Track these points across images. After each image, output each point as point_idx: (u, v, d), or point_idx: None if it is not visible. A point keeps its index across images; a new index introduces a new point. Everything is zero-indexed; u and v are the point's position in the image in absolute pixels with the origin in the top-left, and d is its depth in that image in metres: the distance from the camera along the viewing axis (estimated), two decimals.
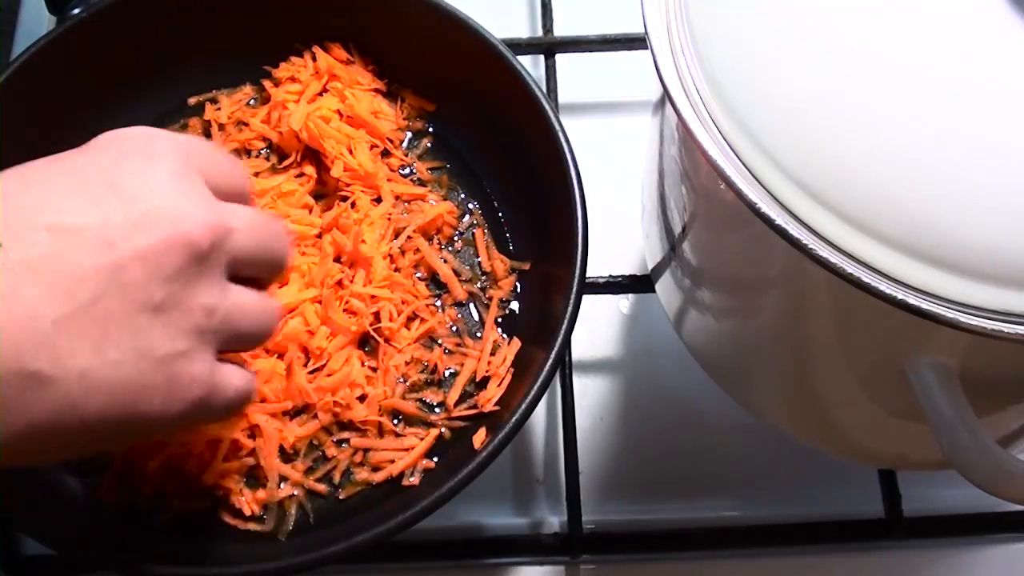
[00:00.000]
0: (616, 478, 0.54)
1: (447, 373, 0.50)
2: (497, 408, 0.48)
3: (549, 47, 0.62)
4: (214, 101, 0.57)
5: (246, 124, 0.56)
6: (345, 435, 0.49)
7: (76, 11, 0.54)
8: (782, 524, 0.52)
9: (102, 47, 0.54)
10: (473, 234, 0.54)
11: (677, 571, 0.52)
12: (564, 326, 0.45)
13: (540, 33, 0.64)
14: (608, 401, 0.56)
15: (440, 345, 0.51)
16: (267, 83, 0.57)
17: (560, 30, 0.64)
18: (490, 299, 0.52)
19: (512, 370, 0.49)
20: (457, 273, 0.53)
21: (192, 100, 0.57)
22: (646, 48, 0.36)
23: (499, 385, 0.49)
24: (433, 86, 0.56)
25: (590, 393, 0.56)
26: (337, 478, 0.48)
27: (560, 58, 0.62)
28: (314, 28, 0.56)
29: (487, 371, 0.50)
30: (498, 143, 0.54)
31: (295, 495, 0.48)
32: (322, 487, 0.48)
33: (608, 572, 0.52)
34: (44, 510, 0.45)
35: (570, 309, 0.46)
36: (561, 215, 0.49)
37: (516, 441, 0.48)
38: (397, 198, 0.54)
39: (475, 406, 0.49)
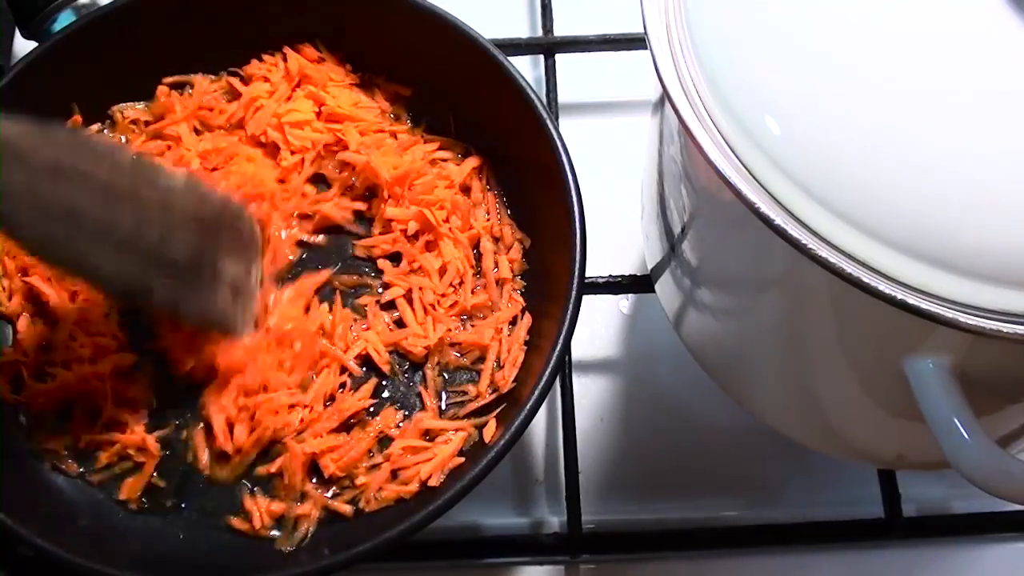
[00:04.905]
0: (616, 478, 0.54)
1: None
2: (515, 384, 0.48)
3: (549, 47, 0.62)
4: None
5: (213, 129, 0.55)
6: (378, 460, 0.48)
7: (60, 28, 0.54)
8: (782, 524, 0.52)
9: (74, 66, 0.53)
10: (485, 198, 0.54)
11: (677, 571, 0.52)
12: (564, 331, 0.45)
13: (540, 33, 0.64)
14: (608, 401, 0.56)
15: (471, 321, 0.51)
16: (234, 81, 0.56)
17: (560, 30, 0.64)
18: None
19: (525, 349, 0.49)
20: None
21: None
22: (646, 48, 0.36)
23: (514, 365, 0.49)
24: (426, 92, 0.56)
25: (590, 393, 0.56)
26: (363, 502, 0.47)
27: (560, 58, 0.62)
28: (292, 28, 0.56)
29: (508, 348, 0.49)
30: (494, 146, 0.54)
31: (313, 515, 0.47)
32: (347, 508, 0.47)
33: (608, 572, 0.52)
34: (49, 521, 0.45)
35: (569, 314, 0.46)
36: (558, 221, 0.48)
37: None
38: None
39: (496, 389, 0.49)
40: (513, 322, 0.51)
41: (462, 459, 0.47)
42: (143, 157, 0.49)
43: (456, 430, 0.48)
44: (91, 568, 0.42)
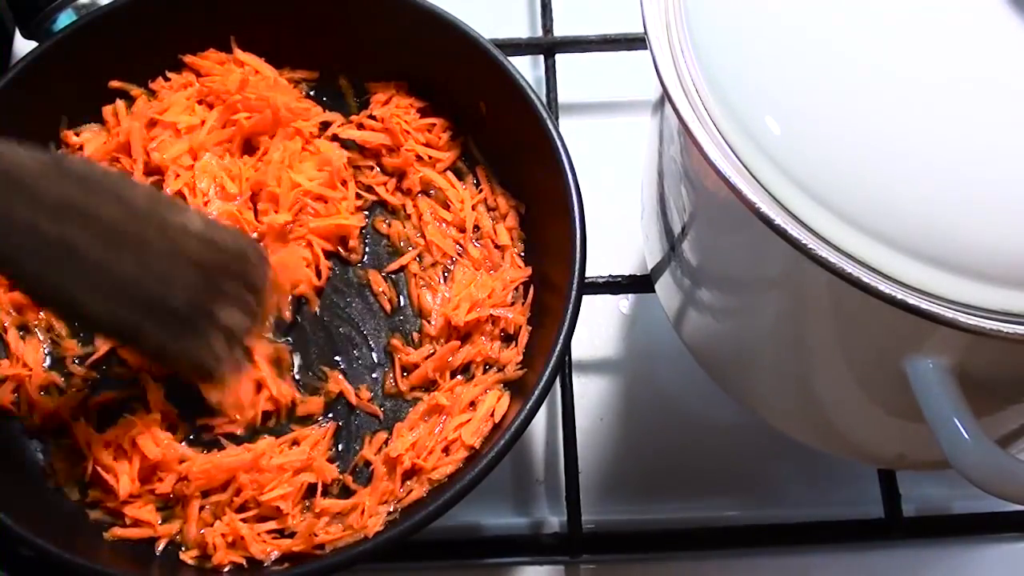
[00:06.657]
0: (616, 478, 0.54)
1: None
2: (523, 371, 0.48)
3: (549, 47, 0.62)
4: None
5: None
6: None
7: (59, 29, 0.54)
8: (782, 524, 0.52)
9: (73, 66, 0.53)
10: (476, 171, 0.55)
11: (677, 571, 0.52)
12: (564, 331, 0.45)
13: (540, 33, 0.64)
14: (608, 401, 0.56)
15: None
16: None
17: (560, 30, 0.64)
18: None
19: (530, 328, 0.49)
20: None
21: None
22: (646, 48, 0.36)
23: (520, 337, 0.49)
24: (424, 90, 0.56)
25: (590, 393, 0.56)
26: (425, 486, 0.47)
27: (560, 58, 0.62)
28: (296, 25, 0.56)
29: (519, 317, 0.50)
30: (493, 147, 0.54)
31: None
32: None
33: (608, 572, 0.52)
34: (49, 521, 0.45)
35: (569, 314, 0.46)
36: (559, 224, 0.48)
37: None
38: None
39: (501, 369, 0.49)
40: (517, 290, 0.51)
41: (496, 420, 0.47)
42: (162, 197, 0.47)
43: (486, 390, 0.48)
44: (91, 568, 0.42)
